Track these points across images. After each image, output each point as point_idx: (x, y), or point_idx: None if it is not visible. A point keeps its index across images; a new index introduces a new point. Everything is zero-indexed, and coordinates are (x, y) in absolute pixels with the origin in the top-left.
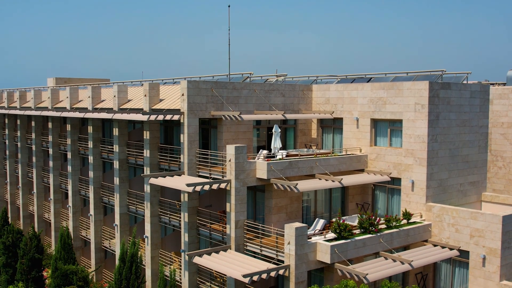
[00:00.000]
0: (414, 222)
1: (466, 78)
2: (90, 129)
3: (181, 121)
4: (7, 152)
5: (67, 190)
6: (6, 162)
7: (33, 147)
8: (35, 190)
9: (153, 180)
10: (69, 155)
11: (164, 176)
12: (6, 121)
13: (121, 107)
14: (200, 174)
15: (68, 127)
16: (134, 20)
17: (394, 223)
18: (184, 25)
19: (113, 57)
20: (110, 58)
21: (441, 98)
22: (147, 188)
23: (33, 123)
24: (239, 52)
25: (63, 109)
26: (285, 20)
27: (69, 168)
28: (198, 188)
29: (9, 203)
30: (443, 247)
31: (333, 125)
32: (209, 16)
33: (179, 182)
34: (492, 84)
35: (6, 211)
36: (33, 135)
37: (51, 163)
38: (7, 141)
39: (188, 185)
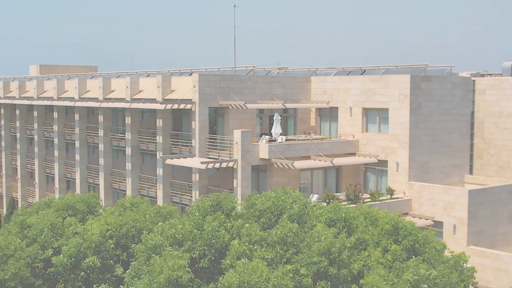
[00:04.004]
0: (397, 198)
1: (450, 70)
2: (100, 118)
3: (193, 109)
4: (3, 144)
5: (74, 179)
6: (1, 153)
7: (35, 137)
8: (37, 181)
9: (169, 161)
10: (77, 144)
11: (179, 158)
12: (2, 111)
13: (133, 97)
14: (209, 156)
15: (77, 116)
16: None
17: (377, 196)
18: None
19: (99, 43)
20: (96, 44)
21: (423, 89)
22: (159, 171)
23: (35, 113)
24: (242, 43)
25: (71, 99)
26: (286, 13)
27: (77, 157)
28: (210, 165)
29: (4, 196)
30: (420, 218)
31: (329, 114)
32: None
33: (194, 161)
34: (490, 74)
35: (13, 200)
36: (36, 125)
37: (56, 153)
38: (3, 132)
39: (202, 162)
